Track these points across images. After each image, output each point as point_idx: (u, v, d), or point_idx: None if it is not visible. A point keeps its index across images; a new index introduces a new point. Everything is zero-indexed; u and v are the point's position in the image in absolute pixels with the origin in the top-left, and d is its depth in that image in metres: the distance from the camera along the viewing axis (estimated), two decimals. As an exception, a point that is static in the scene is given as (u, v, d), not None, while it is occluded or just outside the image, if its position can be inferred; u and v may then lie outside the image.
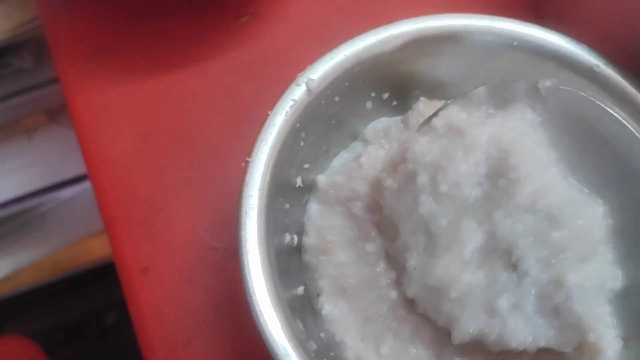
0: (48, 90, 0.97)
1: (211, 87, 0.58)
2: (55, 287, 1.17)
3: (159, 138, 0.56)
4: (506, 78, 0.48)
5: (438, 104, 0.47)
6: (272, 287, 0.39)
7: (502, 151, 0.38)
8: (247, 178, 0.41)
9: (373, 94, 0.49)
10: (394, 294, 0.43)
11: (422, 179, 0.40)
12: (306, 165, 0.48)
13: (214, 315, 0.49)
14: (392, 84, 0.50)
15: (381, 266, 0.44)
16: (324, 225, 0.46)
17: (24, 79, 0.97)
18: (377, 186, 0.45)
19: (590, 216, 0.38)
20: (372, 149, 0.47)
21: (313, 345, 0.41)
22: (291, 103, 0.43)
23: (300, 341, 0.38)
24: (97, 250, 1.15)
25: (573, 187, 0.40)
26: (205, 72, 0.58)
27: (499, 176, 0.38)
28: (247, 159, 0.41)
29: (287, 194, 0.45)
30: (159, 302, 0.50)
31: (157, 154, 0.55)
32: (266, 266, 0.39)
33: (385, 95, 0.50)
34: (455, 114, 0.42)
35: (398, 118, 0.50)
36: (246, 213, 0.40)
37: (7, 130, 1.05)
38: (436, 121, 0.43)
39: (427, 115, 0.45)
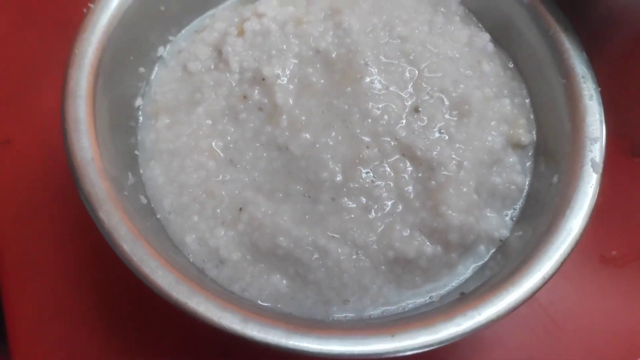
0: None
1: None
2: None
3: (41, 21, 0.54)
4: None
5: None
6: (93, 134, 0.37)
7: None
8: (85, 21, 0.39)
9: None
10: (211, 164, 0.41)
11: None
12: (172, 38, 0.46)
13: (69, 190, 0.47)
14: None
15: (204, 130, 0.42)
16: (160, 90, 0.44)
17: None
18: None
19: None
20: (217, 11, 0.47)
21: (144, 200, 0.40)
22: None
23: (123, 192, 0.37)
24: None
25: None
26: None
27: None
28: (89, 4, 0.40)
29: (143, 59, 0.44)
30: (17, 174, 0.48)
31: (37, 35, 0.53)
32: (92, 111, 0.37)
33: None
34: None
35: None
36: (77, 54, 0.38)
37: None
38: None
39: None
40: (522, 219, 0.41)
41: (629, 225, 0.49)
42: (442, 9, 0.46)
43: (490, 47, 0.45)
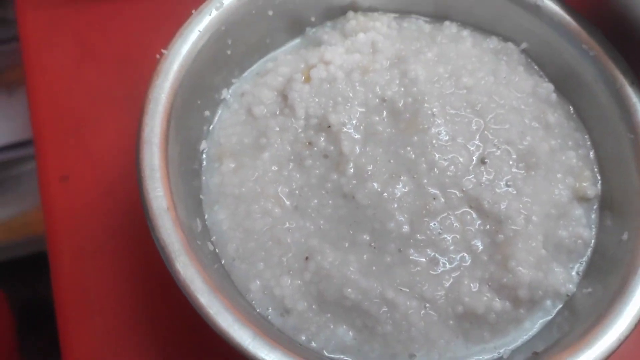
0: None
1: (163, 14, 0.57)
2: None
3: (101, 56, 0.55)
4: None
5: (371, 15, 0.47)
6: (167, 181, 0.37)
7: None
8: (158, 67, 0.40)
9: (313, 19, 0.48)
10: (277, 210, 0.41)
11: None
12: (234, 80, 0.47)
13: (128, 227, 0.48)
14: (335, 11, 0.48)
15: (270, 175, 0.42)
16: (224, 133, 0.44)
17: (5, 30, 0.97)
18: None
19: None
20: (279, 54, 0.47)
21: (210, 246, 0.40)
22: (217, 4, 0.42)
23: (196, 241, 0.37)
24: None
25: None
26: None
27: None
28: (162, 50, 0.40)
29: (208, 102, 0.44)
30: (75, 210, 0.49)
31: (97, 71, 0.54)
32: (165, 157, 0.38)
33: (328, 23, 0.49)
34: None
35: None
36: (151, 100, 0.39)
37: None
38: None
39: (356, 25, 0.45)
40: (589, 275, 0.41)
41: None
42: (504, 58, 0.46)
43: (554, 97, 0.45)
